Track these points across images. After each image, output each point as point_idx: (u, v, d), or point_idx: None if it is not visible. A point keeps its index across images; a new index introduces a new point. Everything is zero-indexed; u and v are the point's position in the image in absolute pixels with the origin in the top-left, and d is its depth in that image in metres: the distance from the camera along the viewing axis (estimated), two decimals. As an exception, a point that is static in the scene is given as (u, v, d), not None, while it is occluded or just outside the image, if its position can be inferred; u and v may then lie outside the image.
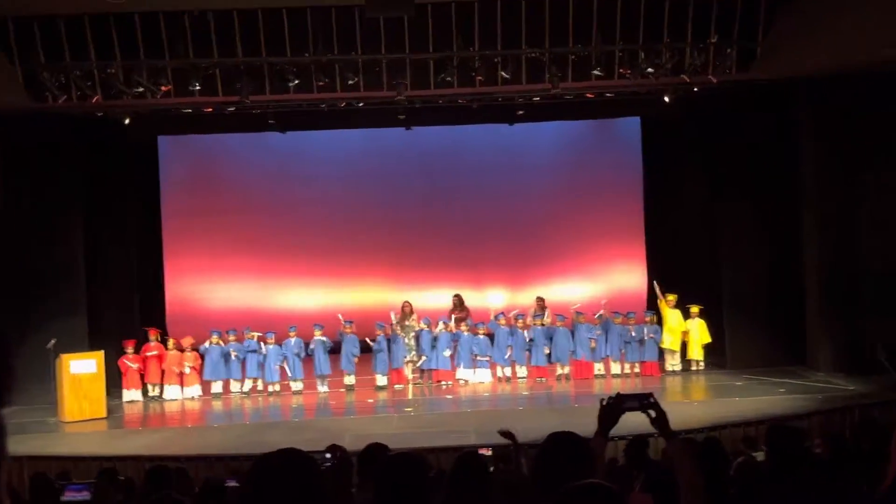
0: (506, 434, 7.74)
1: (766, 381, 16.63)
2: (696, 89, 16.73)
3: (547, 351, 18.07)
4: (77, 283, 17.81)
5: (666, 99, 17.36)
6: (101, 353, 16.25)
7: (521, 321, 18.26)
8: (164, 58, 15.30)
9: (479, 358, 18.10)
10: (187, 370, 17.65)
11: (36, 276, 17.37)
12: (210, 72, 15.52)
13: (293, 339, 17.78)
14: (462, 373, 18.10)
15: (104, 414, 15.99)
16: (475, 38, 15.49)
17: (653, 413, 4.00)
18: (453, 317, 18.80)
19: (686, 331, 18.28)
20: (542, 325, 18.22)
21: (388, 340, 17.93)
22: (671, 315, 18.28)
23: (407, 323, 18.07)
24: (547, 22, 15.38)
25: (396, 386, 17.84)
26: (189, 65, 15.30)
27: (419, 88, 16.16)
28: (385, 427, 14.30)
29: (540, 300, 19.23)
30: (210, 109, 17.54)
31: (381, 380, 17.75)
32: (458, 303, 19.50)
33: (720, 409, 14.43)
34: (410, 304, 18.51)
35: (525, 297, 20.28)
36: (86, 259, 18.10)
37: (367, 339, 17.85)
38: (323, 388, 17.73)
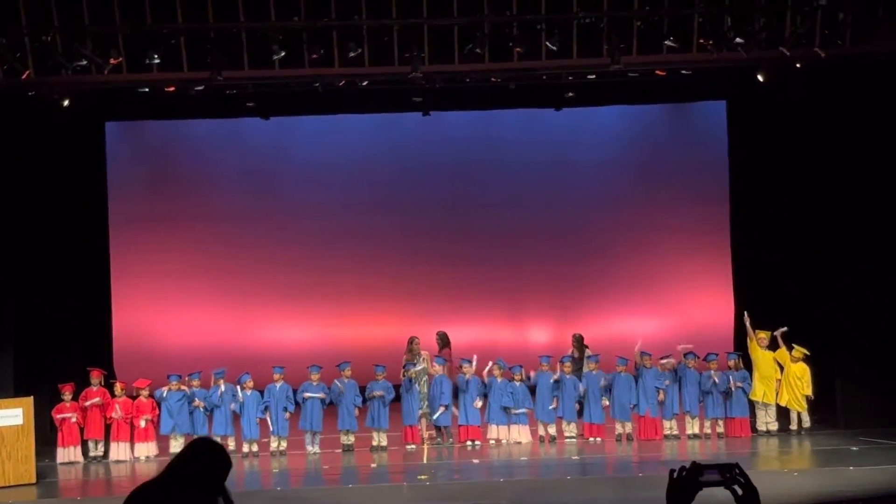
0: None
1: (889, 445, 16.46)
2: (798, 66, 16.64)
3: (605, 403, 17.95)
4: (2, 312, 17.89)
5: (760, 78, 17.29)
6: (30, 400, 16.26)
7: (567, 364, 18.22)
8: (114, 22, 15.41)
9: (514, 411, 18.03)
10: (143, 423, 17.65)
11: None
12: (172, 40, 15.61)
13: (279, 385, 17.77)
14: (493, 430, 18.04)
15: (33, 479, 15.96)
16: (513, -1, 15.57)
17: (739, 490, 3.95)
18: (474, 357, 18.55)
19: (780, 379, 18.11)
20: (574, 372, 18.17)
21: (398, 387, 17.90)
22: (763, 359, 18.13)
23: (416, 365, 18.02)
24: (605, -22, 15.46)
25: (408, 446, 17.81)
26: (146, 31, 15.40)
27: (440, 63, 16.17)
28: (393, 499, 14.27)
29: (577, 340, 19.16)
30: (172, 89, 17.62)
31: (381, 438, 17.72)
32: (442, 343, 19.29)
33: (829, 482, 14.27)
34: (416, 341, 18.38)
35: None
36: (13, 281, 18.19)
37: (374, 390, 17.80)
38: (314, 448, 17.71)
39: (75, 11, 15.31)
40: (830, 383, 18.32)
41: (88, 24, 15.35)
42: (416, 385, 17.89)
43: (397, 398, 18.04)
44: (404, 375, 17.94)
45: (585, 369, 18.42)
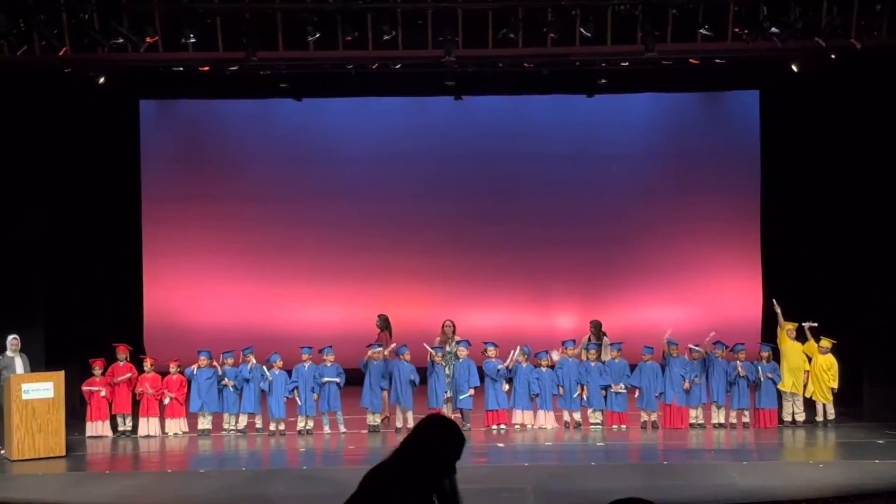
0: None
1: (916, 439, 16.38)
2: (833, 56, 16.51)
3: (619, 388, 17.88)
4: (34, 286, 18.02)
5: (794, 68, 17.17)
6: (61, 375, 16.40)
7: (592, 351, 18.18)
8: (151, 1, 15.45)
9: (540, 397, 18.00)
10: (167, 400, 17.76)
11: (-19, 275, 17.66)
12: (208, 20, 15.65)
13: (307, 365, 17.82)
14: (518, 415, 18.03)
15: (63, 452, 16.12)
16: (547, -16, 15.51)
17: None
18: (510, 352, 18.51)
19: (808, 371, 18.00)
20: (598, 359, 18.11)
21: (423, 370, 17.95)
22: (793, 350, 18.03)
23: (448, 349, 18.05)
24: (641, -35, 15.37)
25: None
26: (182, 11, 15.44)
27: (473, 47, 16.14)
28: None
29: (595, 326, 19.08)
30: (207, 68, 17.68)
31: (407, 419, 17.76)
32: (383, 326, 19.17)
33: (853, 475, 14.18)
34: (451, 325, 18.41)
35: (603, 322, 20.10)
36: (46, 256, 18.31)
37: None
38: (328, 429, 17.74)
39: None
40: (857, 376, 18.20)
41: (125, 2, 15.40)
42: (445, 369, 17.90)
43: (423, 380, 18.07)
44: (431, 359, 17.96)
45: (606, 357, 18.36)
